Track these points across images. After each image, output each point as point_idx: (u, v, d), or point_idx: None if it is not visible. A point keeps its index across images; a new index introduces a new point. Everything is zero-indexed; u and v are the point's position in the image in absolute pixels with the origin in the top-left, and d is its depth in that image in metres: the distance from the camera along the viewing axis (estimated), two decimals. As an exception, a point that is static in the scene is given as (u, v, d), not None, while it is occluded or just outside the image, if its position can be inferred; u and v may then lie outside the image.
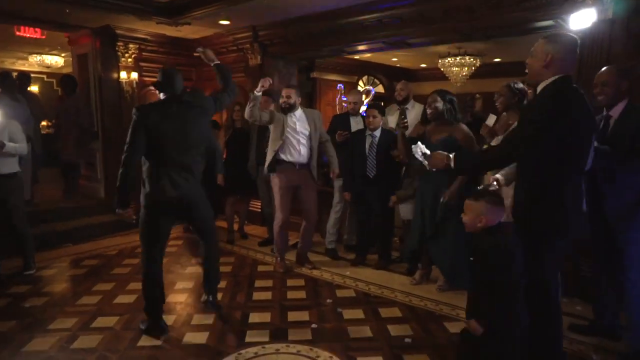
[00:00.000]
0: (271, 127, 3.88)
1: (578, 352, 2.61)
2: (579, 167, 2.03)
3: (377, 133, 3.87)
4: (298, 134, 3.82)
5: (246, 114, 3.67)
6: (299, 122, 3.84)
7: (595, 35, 3.23)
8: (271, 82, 3.61)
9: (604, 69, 2.61)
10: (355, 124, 4.32)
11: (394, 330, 2.88)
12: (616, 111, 2.54)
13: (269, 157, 3.87)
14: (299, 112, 3.87)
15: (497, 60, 8.71)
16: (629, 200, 2.44)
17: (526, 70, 2.24)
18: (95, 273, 3.99)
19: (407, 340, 2.75)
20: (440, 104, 3.27)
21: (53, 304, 3.31)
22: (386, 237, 4.13)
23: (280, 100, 3.86)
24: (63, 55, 8.17)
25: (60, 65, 8.65)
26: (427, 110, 3.36)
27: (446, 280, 3.49)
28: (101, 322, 3.00)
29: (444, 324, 2.96)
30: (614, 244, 2.52)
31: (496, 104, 3.25)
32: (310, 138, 3.87)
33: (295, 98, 3.82)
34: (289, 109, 3.81)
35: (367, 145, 3.88)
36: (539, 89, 2.13)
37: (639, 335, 2.44)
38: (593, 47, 3.27)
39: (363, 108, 4.80)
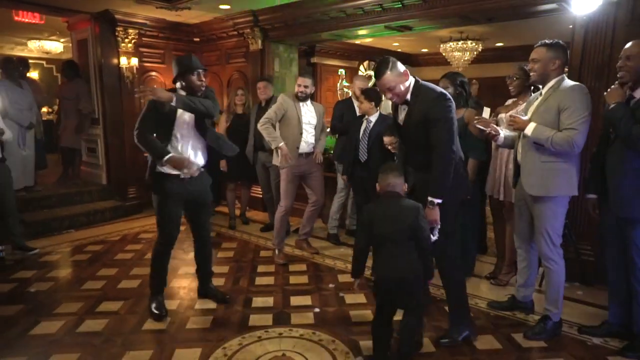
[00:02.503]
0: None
1: (577, 335, 2.65)
2: None
3: (373, 118, 3.88)
4: (308, 123, 3.88)
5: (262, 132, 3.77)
6: (309, 112, 3.90)
7: (600, 18, 3.19)
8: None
9: (634, 40, 2.37)
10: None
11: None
12: None
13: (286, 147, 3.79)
14: (308, 102, 3.91)
15: (499, 44, 8.61)
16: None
17: (532, 73, 2.52)
18: (99, 259, 4.03)
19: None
20: (451, 89, 3.24)
21: (58, 289, 3.36)
22: None
23: (297, 89, 3.85)
24: (62, 40, 8.08)
25: (59, 51, 8.57)
26: None
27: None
28: (106, 306, 3.04)
29: (445, 309, 2.98)
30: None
31: (510, 87, 3.21)
32: (315, 128, 3.94)
33: (311, 88, 3.88)
34: (305, 98, 3.85)
35: (361, 130, 3.92)
36: (546, 88, 2.48)
37: None
38: (597, 31, 3.23)
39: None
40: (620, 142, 2.33)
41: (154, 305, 2.89)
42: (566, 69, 2.61)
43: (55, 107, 7.84)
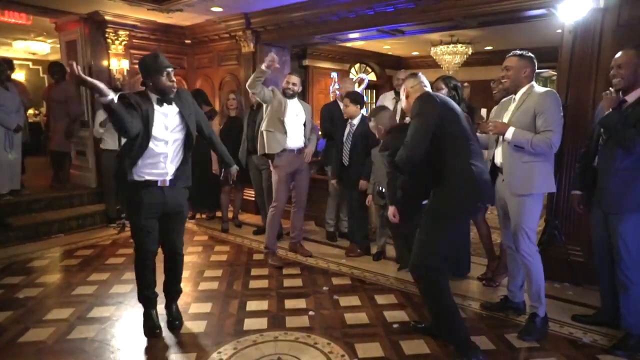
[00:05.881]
0: (266, 107, 3.89)
1: (568, 335, 2.70)
2: None
3: (356, 122, 3.94)
4: (298, 120, 3.90)
5: (248, 84, 3.60)
6: (297, 108, 3.92)
7: (588, 24, 3.26)
8: (276, 59, 3.49)
9: (623, 50, 2.48)
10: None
11: (390, 316, 2.93)
12: (633, 96, 2.44)
13: (266, 139, 3.84)
14: (296, 99, 3.93)
15: (488, 48, 8.72)
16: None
17: (504, 80, 2.67)
18: (89, 263, 3.97)
19: (395, 325, 2.82)
20: (445, 91, 3.29)
21: (48, 295, 3.30)
22: (361, 222, 4.18)
23: (285, 86, 3.88)
24: (49, 41, 7.97)
25: (46, 53, 8.45)
26: None
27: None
28: (98, 312, 3.00)
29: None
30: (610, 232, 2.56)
31: (494, 92, 3.29)
32: (305, 126, 3.96)
33: (299, 87, 3.91)
34: (292, 96, 3.87)
35: (345, 134, 3.95)
36: (519, 94, 2.63)
37: (629, 321, 2.52)
38: (585, 36, 3.30)
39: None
40: (612, 144, 2.46)
41: (147, 324, 2.73)
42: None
43: (43, 110, 7.73)
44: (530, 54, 2.64)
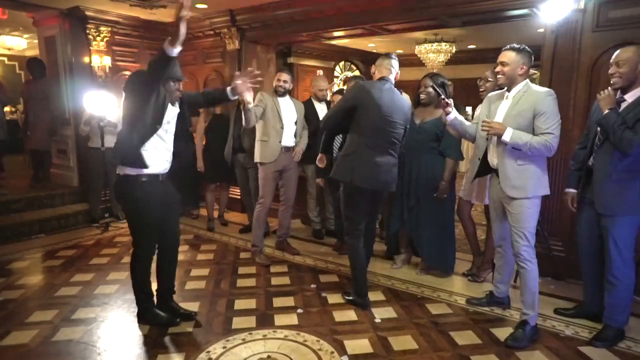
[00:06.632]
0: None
1: (551, 328, 2.77)
2: None
3: None
4: (289, 117, 3.87)
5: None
6: (289, 107, 3.90)
7: (569, 25, 3.33)
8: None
9: (622, 48, 2.45)
10: (320, 111, 4.37)
11: (377, 313, 2.96)
12: (632, 96, 2.40)
13: (261, 149, 3.81)
14: (287, 97, 3.91)
15: (471, 47, 8.85)
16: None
17: (500, 76, 2.55)
18: (73, 264, 3.90)
19: (377, 320, 2.86)
20: (429, 89, 3.32)
21: (30, 297, 3.22)
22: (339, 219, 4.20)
23: (276, 84, 3.85)
24: (26, 37, 7.76)
25: (23, 48, 8.22)
26: (420, 95, 3.41)
27: (426, 264, 3.60)
28: (83, 313, 2.95)
29: (426, 306, 3.07)
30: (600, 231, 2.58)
31: (481, 90, 3.31)
32: (296, 124, 3.94)
33: (290, 84, 3.89)
34: (283, 93, 3.85)
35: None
36: (514, 92, 2.53)
37: (613, 316, 2.59)
38: (566, 37, 3.37)
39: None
40: (609, 145, 2.43)
41: (161, 320, 2.77)
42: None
43: (20, 107, 7.51)
44: (527, 48, 2.51)
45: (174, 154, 2.70)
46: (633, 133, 2.30)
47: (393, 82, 2.94)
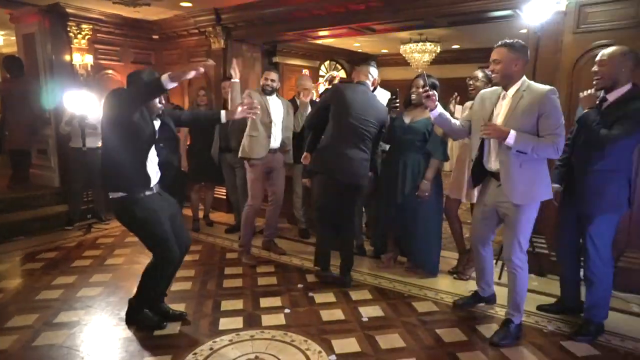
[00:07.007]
0: None
1: (534, 324, 2.82)
2: None
3: None
4: (277, 116, 3.85)
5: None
6: (277, 106, 3.87)
7: (551, 26, 3.40)
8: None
9: (606, 49, 2.44)
10: (303, 110, 4.34)
11: (365, 312, 2.97)
12: (613, 95, 2.41)
13: (250, 144, 3.78)
14: (275, 96, 3.88)
15: (456, 46, 8.95)
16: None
17: (494, 75, 2.43)
18: (54, 266, 3.81)
19: (364, 319, 2.87)
20: (421, 90, 3.33)
21: (9, 301, 3.14)
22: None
23: (263, 82, 3.81)
24: (2, 33, 7.54)
25: (-1, 45, 8.01)
26: (412, 95, 3.43)
27: (412, 263, 3.63)
28: (65, 316, 2.88)
29: (412, 304, 3.09)
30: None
31: (470, 89, 3.35)
32: (282, 123, 3.91)
33: (277, 83, 3.86)
34: (271, 92, 3.82)
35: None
36: (512, 90, 2.41)
37: (593, 311, 2.64)
38: (548, 38, 3.44)
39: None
40: (587, 145, 2.48)
41: (151, 322, 2.74)
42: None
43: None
44: (521, 42, 2.38)
45: (166, 164, 2.74)
46: (607, 131, 2.34)
47: (370, 86, 3.34)
